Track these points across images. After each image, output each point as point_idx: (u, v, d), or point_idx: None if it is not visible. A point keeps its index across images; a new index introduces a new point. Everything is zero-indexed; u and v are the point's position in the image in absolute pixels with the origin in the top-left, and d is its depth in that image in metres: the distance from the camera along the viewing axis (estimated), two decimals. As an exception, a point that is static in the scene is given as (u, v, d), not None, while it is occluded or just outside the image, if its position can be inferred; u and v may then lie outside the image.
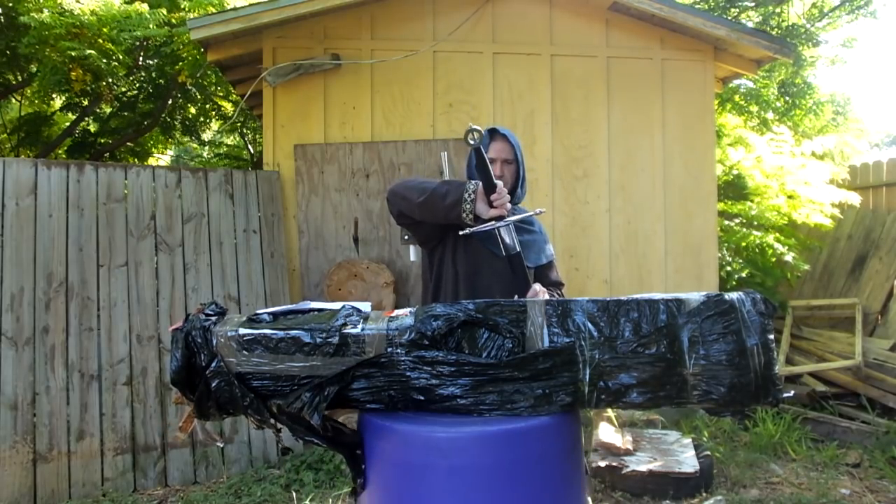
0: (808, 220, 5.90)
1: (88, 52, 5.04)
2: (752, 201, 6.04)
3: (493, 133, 2.17)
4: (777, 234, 5.75)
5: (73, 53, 5.01)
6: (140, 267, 3.87)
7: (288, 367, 1.47)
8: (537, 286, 1.94)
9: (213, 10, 5.33)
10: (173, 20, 5.64)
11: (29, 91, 7.13)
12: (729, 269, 5.59)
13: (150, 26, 5.28)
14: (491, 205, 1.86)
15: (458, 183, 1.90)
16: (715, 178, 5.16)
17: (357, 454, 1.53)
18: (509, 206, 1.90)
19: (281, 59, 4.52)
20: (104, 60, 5.19)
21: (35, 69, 6.28)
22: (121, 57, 5.52)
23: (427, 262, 2.20)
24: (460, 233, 1.91)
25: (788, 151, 6.21)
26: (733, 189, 6.41)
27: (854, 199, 5.94)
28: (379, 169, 4.54)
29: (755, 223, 5.85)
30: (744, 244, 5.62)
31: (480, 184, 1.87)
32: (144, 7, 5.29)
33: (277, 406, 1.47)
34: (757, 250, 5.66)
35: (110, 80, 5.84)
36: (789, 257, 5.63)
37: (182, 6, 5.77)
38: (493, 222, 1.87)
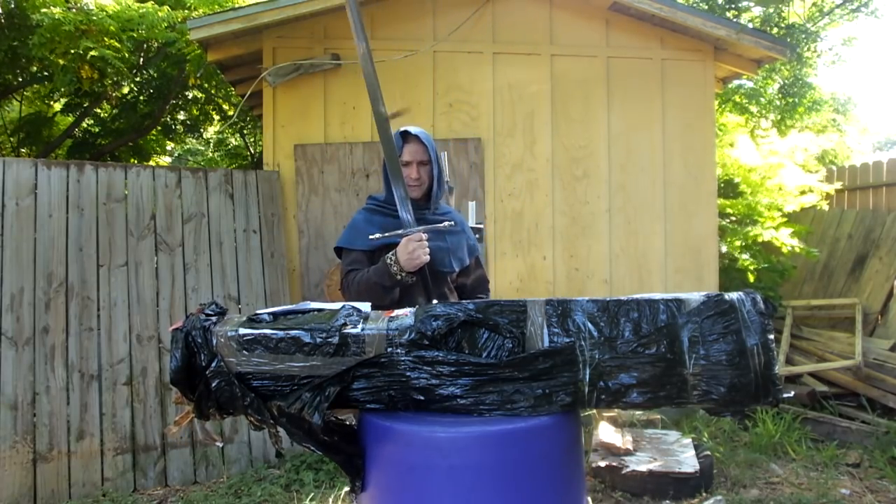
0: (804, 204, 6.05)
1: (105, 52, 5.05)
2: (745, 197, 6.07)
3: (405, 135, 2.15)
4: (785, 227, 5.78)
5: (94, 52, 5.02)
6: (140, 267, 3.87)
7: (288, 367, 1.47)
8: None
9: (218, 9, 5.33)
10: (179, 19, 5.64)
11: (30, 91, 7.14)
12: (745, 271, 5.59)
13: (161, 26, 5.27)
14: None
15: (381, 268, 2.01)
16: (715, 178, 5.16)
17: (354, 461, 1.53)
18: (424, 253, 1.98)
19: (281, 59, 4.52)
20: (112, 54, 5.18)
21: (36, 69, 6.28)
22: (126, 55, 5.52)
23: None
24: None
25: (768, 150, 6.24)
26: (731, 188, 6.41)
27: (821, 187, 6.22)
28: (379, 169, 4.53)
29: (750, 219, 5.87)
30: (752, 240, 5.62)
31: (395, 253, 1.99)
32: (164, 9, 5.28)
33: (278, 407, 1.47)
34: (763, 240, 5.66)
35: (116, 78, 5.83)
36: (786, 238, 5.67)
37: (188, 4, 5.76)
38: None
